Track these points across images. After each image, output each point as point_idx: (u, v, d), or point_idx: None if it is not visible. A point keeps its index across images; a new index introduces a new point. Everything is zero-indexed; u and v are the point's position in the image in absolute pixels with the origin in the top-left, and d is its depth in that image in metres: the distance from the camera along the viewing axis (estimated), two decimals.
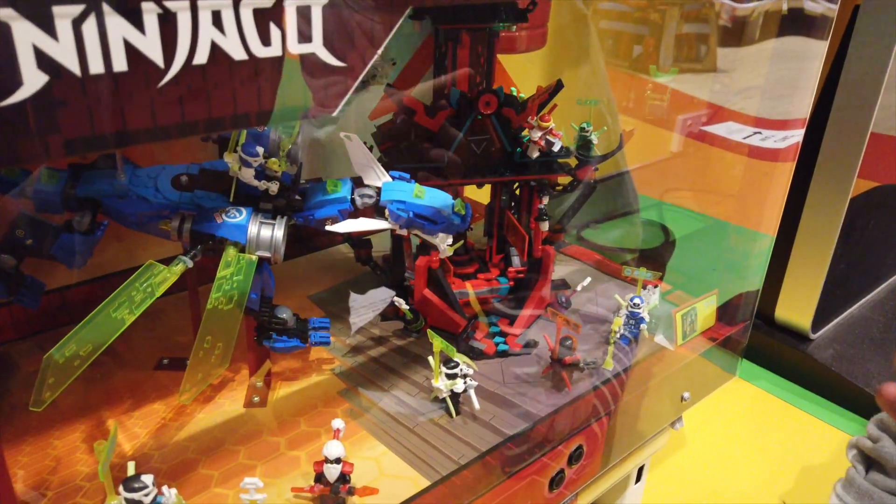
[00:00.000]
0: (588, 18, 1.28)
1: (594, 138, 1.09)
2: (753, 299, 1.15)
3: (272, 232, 0.70)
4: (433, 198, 0.75)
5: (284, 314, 0.78)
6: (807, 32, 1.11)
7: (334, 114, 0.43)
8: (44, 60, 0.32)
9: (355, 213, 0.75)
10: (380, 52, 0.44)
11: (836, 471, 0.82)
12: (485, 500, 0.72)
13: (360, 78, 0.44)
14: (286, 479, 0.70)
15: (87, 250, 0.71)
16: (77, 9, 0.32)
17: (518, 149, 0.93)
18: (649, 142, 1.36)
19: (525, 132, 0.94)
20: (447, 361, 0.78)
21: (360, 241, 1.05)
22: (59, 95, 0.33)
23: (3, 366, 0.85)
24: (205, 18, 0.36)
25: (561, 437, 0.81)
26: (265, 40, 0.38)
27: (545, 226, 0.98)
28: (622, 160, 1.21)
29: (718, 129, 1.30)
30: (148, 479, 0.53)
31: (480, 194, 1.03)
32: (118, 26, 0.33)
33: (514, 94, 0.97)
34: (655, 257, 1.27)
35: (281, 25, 0.39)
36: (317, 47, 0.41)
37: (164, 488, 0.55)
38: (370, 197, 0.75)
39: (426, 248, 0.93)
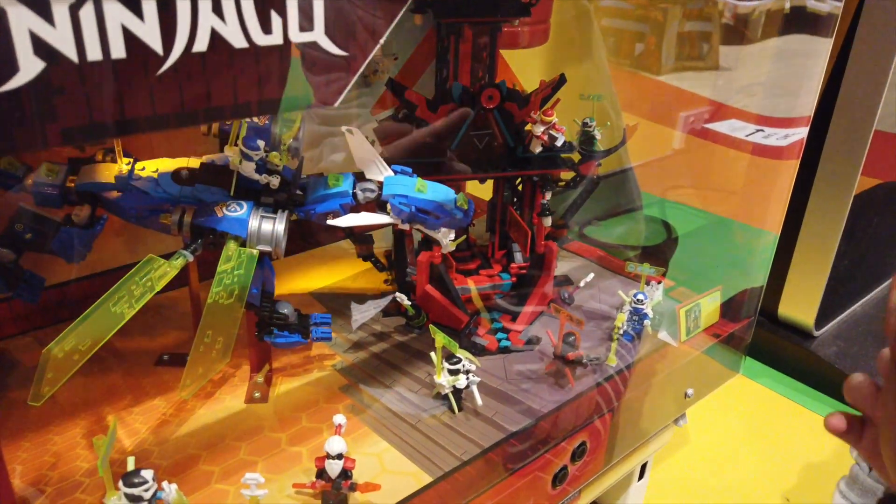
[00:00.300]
0: (591, 14, 1.27)
1: (597, 133, 1.08)
2: (757, 296, 1.15)
3: (273, 226, 0.69)
4: (435, 192, 0.75)
5: (285, 309, 0.77)
6: (811, 30, 1.10)
7: (335, 105, 0.42)
8: (41, 47, 0.31)
9: (357, 207, 0.74)
10: (381, 42, 0.43)
11: (839, 468, 0.81)
12: (488, 497, 0.72)
13: (361, 70, 0.43)
14: (287, 475, 0.69)
15: (87, 245, 0.70)
16: None
17: (521, 144, 0.93)
18: (652, 139, 1.36)
19: (528, 127, 0.93)
20: (449, 357, 0.77)
21: (361, 237, 1.04)
22: (56, 83, 0.32)
23: (2, 361, 0.84)
24: (204, 5, 0.35)
25: (564, 433, 0.80)
26: (266, 28, 0.38)
27: (548, 221, 0.97)
28: (626, 156, 1.21)
29: (721, 127, 1.30)
30: (148, 474, 0.53)
31: (483, 190, 1.03)
32: (116, 12, 0.33)
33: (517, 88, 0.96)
34: (658, 254, 1.26)
35: (282, 13, 0.38)
36: (318, 36, 0.40)
37: (165, 484, 0.55)
38: (372, 191, 0.74)
39: (428, 244, 0.92)
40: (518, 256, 1.02)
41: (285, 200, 0.72)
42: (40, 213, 0.71)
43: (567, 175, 1.12)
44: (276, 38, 0.39)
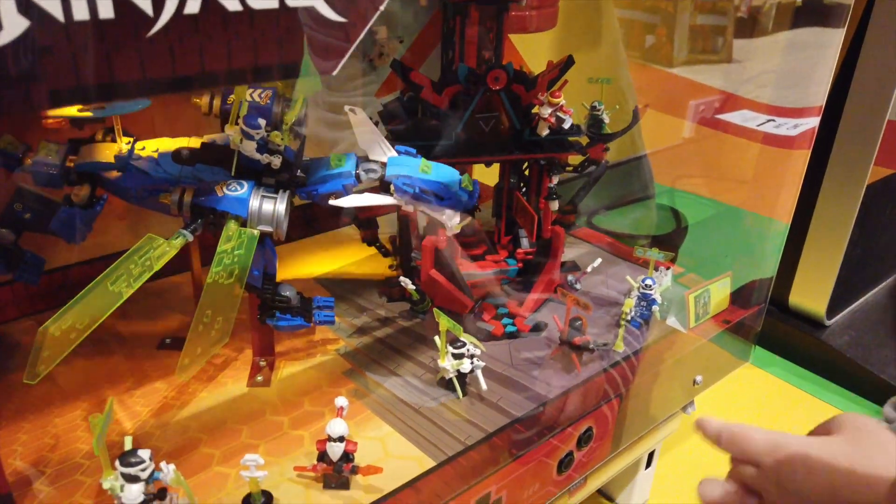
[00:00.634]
0: None
1: (606, 117, 1.06)
2: (767, 285, 1.13)
3: (274, 206, 0.68)
4: (440, 173, 0.74)
5: (288, 292, 0.76)
6: (822, 21, 1.08)
7: (333, 73, 0.41)
8: (24, 4, 0.30)
9: (360, 188, 0.73)
10: (381, 8, 0.42)
11: None
12: (492, 482, 0.71)
13: (360, 37, 0.42)
14: (289, 459, 0.68)
15: (87, 225, 0.70)
16: None
17: (528, 127, 0.91)
18: (663, 130, 1.34)
19: (535, 109, 0.92)
20: (453, 341, 0.76)
21: (366, 222, 1.03)
22: (41, 42, 0.31)
23: (4, 344, 0.84)
24: None
25: (570, 419, 0.79)
26: None
27: (555, 205, 0.96)
28: (640, 143, 1.19)
29: (733, 117, 1.28)
30: (145, 453, 0.52)
31: (489, 174, 1.01)
32: None
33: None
34: (667, 243, 1.25)
35: None
36: (316, 1, 0.39)
37: (163, 464, 0.54)
38: (375, 172, 0.73)
39: (433, 228, 0.91)
40: (524, 242, 1.01)
41: (287, 181, 0.71)
42: (40, 193, 0.70)
43: (575, 160, 1.11)
44: (271, 2, 0.37)
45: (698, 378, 0.99)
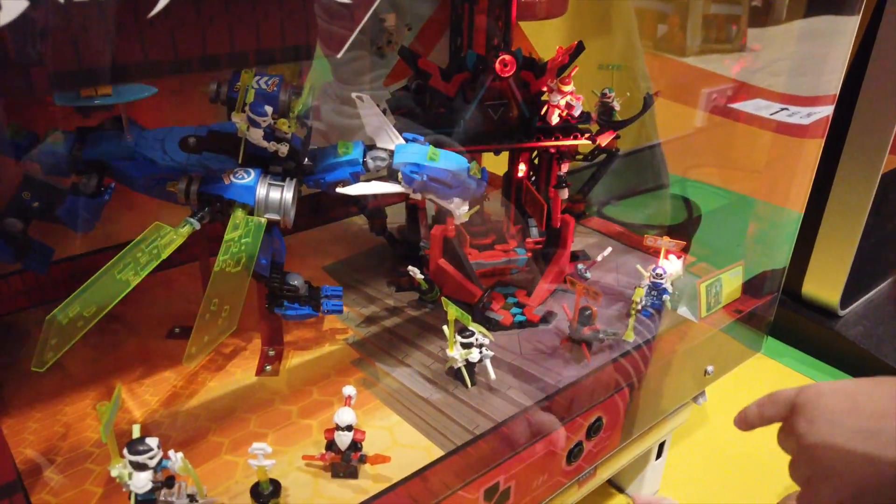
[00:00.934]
0: None
1: (616, 104, 1.05)
2: (780, 274, 1.12)
3: (281, 194, 0.68)
4: (448, 160, 0.73)
5: (296, 281, 0.76)
6: (837, 9, 1.06)
7: (338, 56, 0.40)
8: None
9: (368, 176, 0.73)
10: None
11: None
12: (500, 472, 0.70)
13: (365, 19, 0.41)
14: (298, 448, 0.68)
15: (94, 214, 0.69)
16: None
17: (537, 114, 0.90)
18: (677, 119, 1.33)
19: (544, 97, 0.91)
20: (462, 330, 0.75)
21: (374, 212, 1.03)
22: (40, 23, 0.30)
23: (15, 334, 0.84)
24: None
25: (579, 409, 0.78)
26: None
27: (564, 194, 0.95)
28: (654, 132, 1.18)
29: (746, 107, 1.26)
30: (153, 441, 0.52)
31: (498, 162, 1.00)
32: None
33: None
34: (679, 233, 1.24)
35: None
36: None
37: (171, 452, 0.54)
38: (383, 160, 0.73)
39: (442, 217, 0.90)
40: (534, 231, 1.00)
41: (294, 169, 0.70)
42: (48, 182, 0.70)
43: (585, 148, 1.09)
44: None
45: (709, 368, 0.98)
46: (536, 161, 0.99)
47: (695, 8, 1.37)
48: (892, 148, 1.30)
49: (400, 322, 0.90)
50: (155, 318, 0.88)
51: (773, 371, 1.40)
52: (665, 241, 0.93)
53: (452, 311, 0.73)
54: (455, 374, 0.78)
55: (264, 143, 0.67)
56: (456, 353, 0.75)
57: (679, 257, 0.96)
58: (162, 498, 0.54)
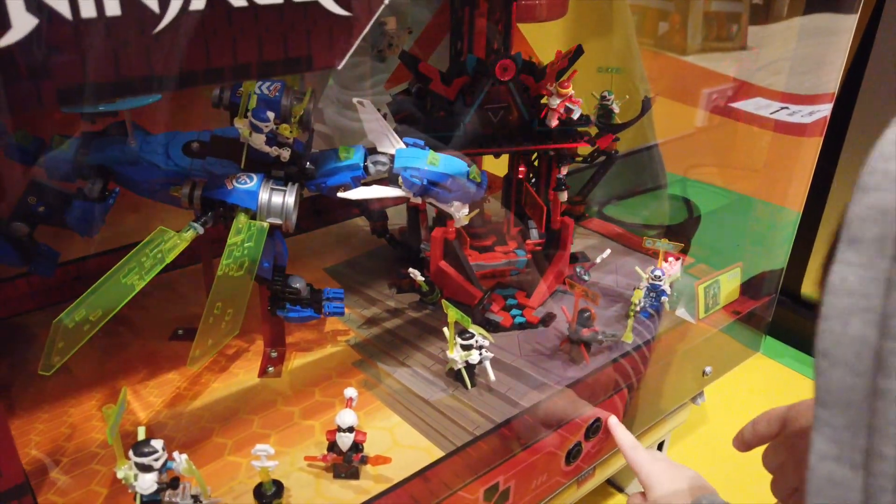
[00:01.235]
0: None
1: (615, 107, 1.06)
2: (778, 275, 1.12)
3: (283, 198, 0.69)
4: (448, 164, 0.74)
5: (298, 284, 0.77)
6: (835, 7, 1.07)
7: (338, 67, 0.41)
8: (33, 3, 0.31)
9: (368, 180, 0.73)
10: (386, 1, 0.42)
11: None
12: (500, 472, 0.71)
13: (365, 31, 0.42)
14: (300, 449, 0.69)
15: (99, 218, 0.70)
16: None
17: (536, 117, 0.91)
18: (675, 118, 1.33)
19: (544, 100, 0.91)
20: (462, 332, 0.76)
21: (375, 214, 1.04)
22: (49, 40, 0.31)
23: (20, 335, 0.85)
24: None
25: (578, 410, 0.79)
26: None
27: (564, 196, 0.96)
28: (651, 133, 1.19)
29: (746, 105, 1.27)
30: (158, 443, 0.53)
31: (498, 165, 1.01)
32: None
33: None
34: (679, 233, 1.24)
35: None
36: None
37: (175, 454, 0.55)
38: (383, 164, 0.74)
39: (442, 220, 0.91)
40: (534, 233, 1.01)
41: (296, 173, 0.71)
42: (53, 187, 0.71)
43: (585, 150, 1.10)
44: None
45: (708, 369, 0.98)
46: (536, 163, 1.00)
47: (695, 5, 1.37)
48: None
49: (401, 323, 0.91)
50: (158, 320, 0.89)
51: (771, 371, 1.40)
52: (664, 244, 0.94)
53: (453, 314, 0.74)
54: (455, 375, 0.79)
55: (266, 149, 0.68)
56: (456, 355, 0.76)
57: (677, 259, 0.96)
58: (167, 499, 0.55)
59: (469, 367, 0.77)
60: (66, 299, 0.90)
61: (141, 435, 0.54)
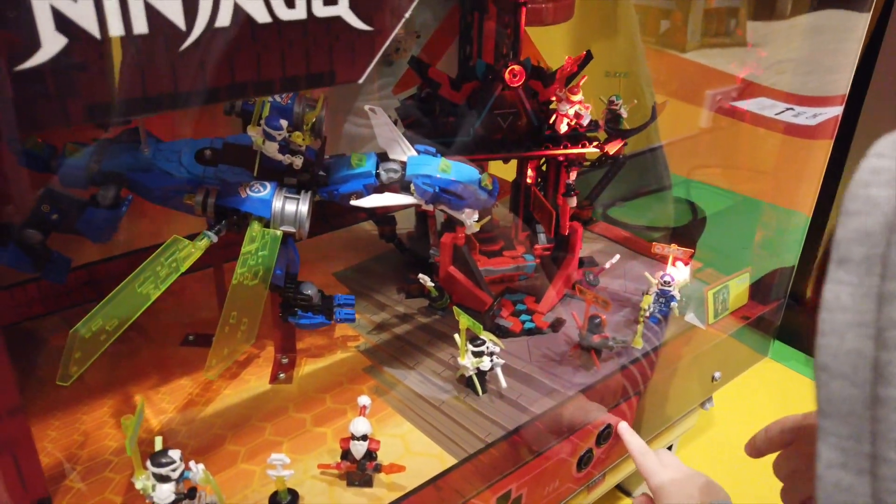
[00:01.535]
0: None
1: (623, 112, 1.06)
2: (787, 278, 1.12)
3: (297, 206, 0.69)
4: (460, 172, 0.74)
5: (309, 290, 0.77)
6: (845, 4, 1.06)
7: (360, 81, 0.41)
8: (62, 22, 0.31)
9: (380, 188, 0.73)
10: (406, 16, 0.42)
11: None
12: (513, 480, 0.71)
13: (386, 45, 0.42)
14: (312, 456, 0.69)
15: (112, 225, 0.70)
16: None
17: (545, 123, 0.91)
18: (677, 118, 1.33)
19: (553, 105, 0.91)
20: (473, 339, 0.76)
21: (384, 218, 1.04)
22: (78, 59, 0.31)
23: (31, 341, 0.85)
24: None
25: (589, 416, 0.79)
26: (289, 2, 0.37)
27: (573, 201, 0.96)
28: (655, 135, 1.18)
29: (749, 105, 1.26)
30: (175, 454, 0.53)
31: (506, 170, 1.01)
32: None
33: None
34: (684, 236, 1.24)
35: None
36: (343, 10, 0.39)
37: (192, 464, 0.55)
38: (395, 171, 0.73)
39: (451, 224, 0.91)
40: (542, 238, 1.01)
41: (308, 181, 0.71)
42: (66, 194, 0.71)
43: (593, 155, 1.10)
44: (299, 13, 0.38)
45: (717, 374, 0.99)
46: (545, 168, 1.00)
47: (696, 3, 1.37)
48: None
49: (410, 329, 0.91)
50: (170, 326, 0.89)
51: (778, 375, 1.41)
52: (673, 249, 0.94)
53: (464, 321, 0.74)
54: (466, 381, 0.79)
55: (279, 157, 0.68)
56: (467, 362, 0.76)
57: (686, 264, 0.96)
58: None
59: (480, 373, 0.77)
60: (76, 304, 0.91)
61: (158, 445, 0.54)
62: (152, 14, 0.33)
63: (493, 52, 0.93)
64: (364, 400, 0.67)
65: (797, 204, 1.17)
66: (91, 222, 0.69)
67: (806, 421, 0.57)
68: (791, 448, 0.58)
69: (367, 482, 0.66)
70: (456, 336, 0.77)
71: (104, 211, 0.70)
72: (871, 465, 0.27)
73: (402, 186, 0.74)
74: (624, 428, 0.77)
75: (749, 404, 1.29)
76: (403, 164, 0.74)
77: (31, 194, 0.72)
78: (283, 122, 0.67)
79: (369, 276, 1.03)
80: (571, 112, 0.88)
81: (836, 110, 1.07)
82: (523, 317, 0.92)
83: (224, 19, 0.35)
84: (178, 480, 0.53)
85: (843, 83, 1.07)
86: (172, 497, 0.53)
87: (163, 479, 0.52)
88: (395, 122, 0.79)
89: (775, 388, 1.36)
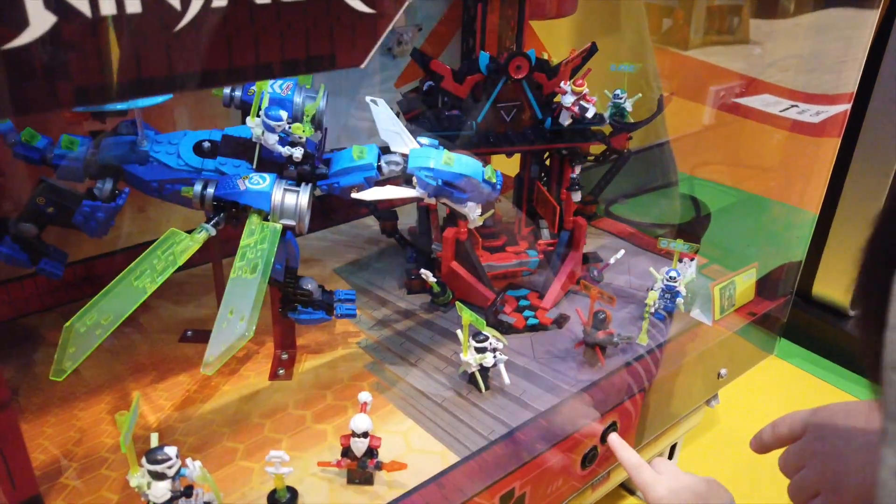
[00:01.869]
0: None
1: (628, 105, 1.05)
2: (793, 277, 1.11)
3: (296, 199, 0.67)
4: (463, 165, 0.72)
5: (310, 285, 0.76)
6: (853, 2, 1.05)
7: (362, 66, 0.40)
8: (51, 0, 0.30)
9: (382, 180, 0.72)
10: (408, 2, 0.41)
11: None
12: (516, 477, 0.70)
13: (389, 29, 0.41)
14: (312, 453, 0.68)
15: (109, 218, 0.69)
16: None
17: (549, 116, 0.90)
18: (681, 115, 1.32)
19: (557, 98, 0.90)
20: (476, 335, 0.75)
21: (385, 213, 1.03)
22: (67, 38, 0.30)
23: (28, 337, 0.84)
24: None
25: (594, 413, 0.78)
26: None
27: (577, 196, 0.94)
28: (662, 129, 1.17)
29: (753, 102, 1.25)
30: (171, 450, 0.52)
31: (510, 164, 1.00)
32: None
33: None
34: (689, 232, 1.23)
35: None
36: None
37: (189, 461, 0.54)
38: (397, 164, 0.72)
39: (453, 219, 0.90)
40: (545, 233, 1.00)
41: (309, 173, 0.70)
42: (62, 187, 0.70)
43: (597, 149, 1.09)
44: None
45: (723, 371, 0.97)
46: (548, 162, 0.99)
47: (700, 2, 1.35)
48: None
49: (412, 325, 0.90)
50: (167, 321, 0.88)
51: (783, 372, 1.39)
52: (678, 244, 0.92)
53: (467, 316, 0.73)
54: (469, 378, 0.77)
55: (279, 148, 0.67)
56: (470, 358, 0.75)
57: (692, 260, 0.95)
58: None
59: (483, 370, 0.76)
60: (73, 299, 0.90)
61: (154, 441, 0.53)
62: None
63: (496, 45, 0.91)
64: (365, 396, 0.66)
65: (804, 201, 1.15)
66: (87, 216, 0.68)
67: (814, 417, 0.55)
68: (798, 444, 0.57)
69: (368, 480, 0.65)
70: (458, 332, 0.76)
71: (100, 204, 0.68)
72: None
73: (405, 179, 0.73)
74: (615, 440, 0.72)
75: (755, 402, 1.27)
76: (405, 157, 0.73)
77: (26, 187, 0.70)
78: (283, 113, 0.66)
79: (370, 272, 1.02)
80: (571, 102, 0.86)
81: (843, 108, 1.06)
82: (527, 313, 0.91)
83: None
84: (174, 478, 0.52)
85: (850, 81, 1.05)
86: (168, 495, 0.51)
87: (159, 476, 0.51)
88: (398, 116, 0.77)
89: (781, 386, 1.35)
